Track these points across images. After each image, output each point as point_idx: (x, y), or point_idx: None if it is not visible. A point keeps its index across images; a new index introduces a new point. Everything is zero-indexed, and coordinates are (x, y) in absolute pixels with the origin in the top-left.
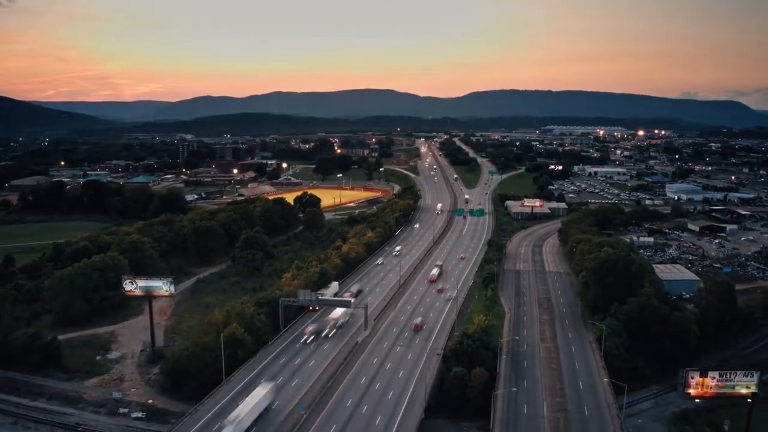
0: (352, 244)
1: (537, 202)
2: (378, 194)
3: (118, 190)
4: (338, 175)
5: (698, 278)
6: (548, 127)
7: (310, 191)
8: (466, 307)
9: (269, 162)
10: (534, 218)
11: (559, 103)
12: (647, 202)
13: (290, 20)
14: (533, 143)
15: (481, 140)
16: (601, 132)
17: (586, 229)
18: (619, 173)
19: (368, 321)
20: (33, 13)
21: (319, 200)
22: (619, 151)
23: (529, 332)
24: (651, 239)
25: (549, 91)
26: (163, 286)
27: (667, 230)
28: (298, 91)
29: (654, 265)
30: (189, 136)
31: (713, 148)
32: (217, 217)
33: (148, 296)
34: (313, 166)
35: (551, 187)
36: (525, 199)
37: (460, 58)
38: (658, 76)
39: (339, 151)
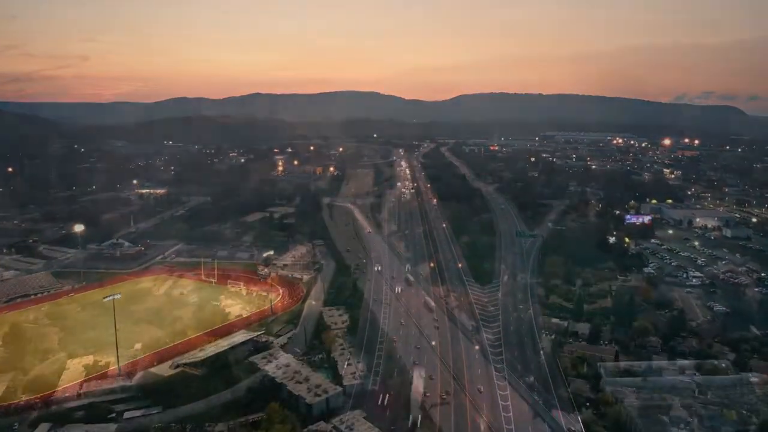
0: None
1: None
2: (266, 305)
3: None
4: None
5: None
6: (549, 133)
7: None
8: None
9: (149, 191)
10: None
11: (551, 107)
12: None
13: (279, 20)
14: (544, 155)
15: (477, 151)
16: (617, 141)
17: None
18: (727, 222)
19: None
20: (17, 11)
21: None
22: (667, 171)
23: None
24: None
25: (540, 95)
26: None
27: None
28: (278, 92)
29: None
30: (120, 143)
31: None
32: None
33: None
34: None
35: (648, 269)
36: None
37: (445, 60)
38: (645, 80)
39: (280, 169)
